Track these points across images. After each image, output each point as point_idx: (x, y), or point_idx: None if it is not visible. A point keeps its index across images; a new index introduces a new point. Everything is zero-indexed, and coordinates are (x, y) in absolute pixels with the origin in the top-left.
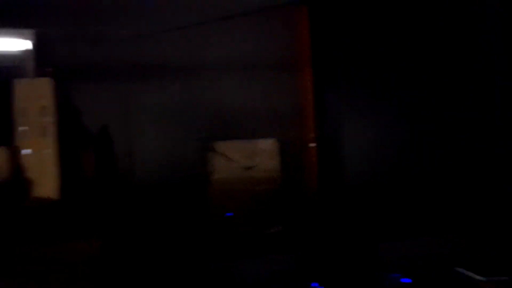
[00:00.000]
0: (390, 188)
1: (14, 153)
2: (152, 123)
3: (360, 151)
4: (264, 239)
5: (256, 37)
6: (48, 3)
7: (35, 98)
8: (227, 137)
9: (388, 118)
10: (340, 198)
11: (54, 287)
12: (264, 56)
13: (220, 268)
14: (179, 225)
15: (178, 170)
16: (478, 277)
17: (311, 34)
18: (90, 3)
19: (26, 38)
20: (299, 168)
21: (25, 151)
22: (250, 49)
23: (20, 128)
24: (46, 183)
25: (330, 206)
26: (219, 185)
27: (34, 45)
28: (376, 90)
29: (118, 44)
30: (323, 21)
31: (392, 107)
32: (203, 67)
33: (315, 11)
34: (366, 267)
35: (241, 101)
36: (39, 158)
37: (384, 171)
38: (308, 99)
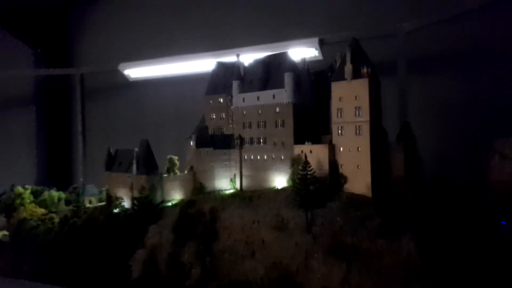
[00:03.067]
0: None
1: (332, 150)
2: (426, 117)
3: None
4: None
5: None
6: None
7: (350, 98)
8: (509, 134)
9: None
10: None
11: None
12: None
13: None
14: (461, 229)
15: (452, 168)
16: None
17: None
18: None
19: (343, 42)
20: None
21: (340, 149)
22: None
23: (336, 127)
24: (359, 178)
25: None
26: (496, 188)
27: (351, 47)
28: None
29: (403, 37)
30: None
31: None
32: (487, 57)
33: None
34: None
35: None
36: (353, 155)
37: None
38: None
